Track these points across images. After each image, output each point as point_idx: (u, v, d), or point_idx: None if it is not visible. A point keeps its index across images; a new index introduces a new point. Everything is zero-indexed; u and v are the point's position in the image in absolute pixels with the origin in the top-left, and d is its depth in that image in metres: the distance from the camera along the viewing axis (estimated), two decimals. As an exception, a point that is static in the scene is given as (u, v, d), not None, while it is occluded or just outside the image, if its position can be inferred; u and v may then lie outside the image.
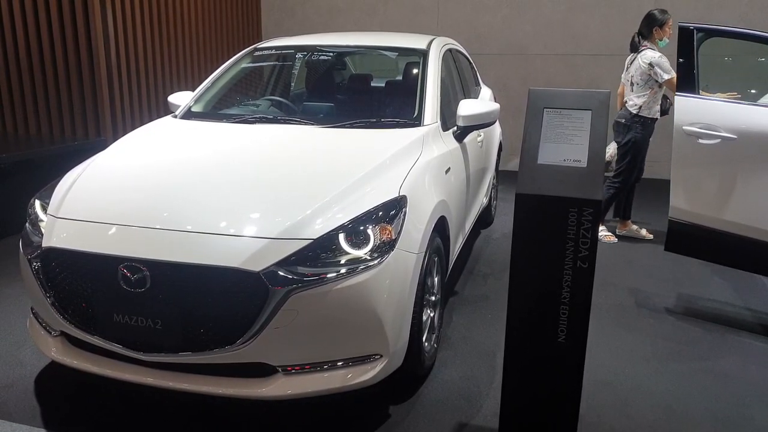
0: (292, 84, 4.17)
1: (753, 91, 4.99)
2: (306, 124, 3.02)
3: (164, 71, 6.06)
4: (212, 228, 2.15)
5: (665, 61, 4.25)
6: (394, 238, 2.22)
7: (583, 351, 2.02)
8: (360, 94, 3.74)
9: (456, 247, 3.27)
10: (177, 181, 2.46)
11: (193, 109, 3.38)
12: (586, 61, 6.97)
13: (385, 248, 2.18)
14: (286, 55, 4.05)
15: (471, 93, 4.25)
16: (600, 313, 3.38)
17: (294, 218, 2.16)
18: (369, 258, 2.14)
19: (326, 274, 2.07)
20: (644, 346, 3.02)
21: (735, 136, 3.10)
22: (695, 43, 3.26)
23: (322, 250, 2.12)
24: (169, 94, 3.80)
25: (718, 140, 3.14)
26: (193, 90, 3.62)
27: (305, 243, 2.10)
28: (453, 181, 3.03)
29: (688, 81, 3.25)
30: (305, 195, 2.29)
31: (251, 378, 2.16)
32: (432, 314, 2.68)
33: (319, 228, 2.15)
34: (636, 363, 2.84)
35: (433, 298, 2.71)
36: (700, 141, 3.18)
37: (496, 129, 4.72)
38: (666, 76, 4.21)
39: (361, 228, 2.19)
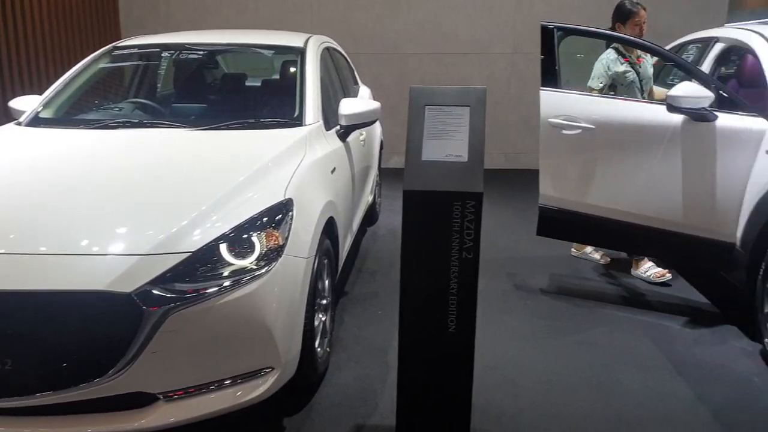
0: (159, 85, 3.92)
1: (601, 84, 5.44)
2: (177, 126, 2.85)
3: (3, 73, 5.43)
4: (72, 248, 1.95)
5: (600, 66, 3.76)
6: (281, 244, 2.14)
7: (473, 339, 2.09)
8: (235, 95, 3.59)
9: (345, 247, 3.25)
10: (26, 198, 2.20)
11: (41, 115, 3.06)
12: (457, 59, 7.24)
13: (272, 255, 2.10)
14: (150, 54, 3.80)
15: (351, 92, 4.25)
16: (483, 299, 3.49)
17: (168, 231, 2.02)
18: (255, 267, 2.05)
19: (208, 288, 1.95)
20: (524, 326, 3.19)
21: (593, 126, 3.32)
22: (555, 41, 3.44)
23: (203, 263, 1.99)
24: (9, 99, 3.40)
25: (579, 130, 3.35)
26: (40, 94, 3.27)
27: (182, 257, 1.97)
28: (339, 181, 3.00)
29: (550, 76, 3.43)
30: (180, 204, 2.15)
31: (128, 410, 1.96)
32: (324, 318, 2.64)
33: (197, 239, 2.02)
34: (518, 343, 3.00)
35: (325, 301, 2.66)
36: (564, 132, 3.37)
37: (377, 127, 4.76)
38: (589, 83, 3.79)
39: (245, 236, 2.10)
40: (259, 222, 2.14)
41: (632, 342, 3.00)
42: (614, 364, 2.80)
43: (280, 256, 2.12)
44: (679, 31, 5.02)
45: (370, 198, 4.42)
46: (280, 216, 2.20)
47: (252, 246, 2.09)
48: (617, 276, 3.90)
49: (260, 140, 2.72)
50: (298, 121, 2.91)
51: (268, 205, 2.20)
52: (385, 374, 2.68)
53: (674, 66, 4.09)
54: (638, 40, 3.53)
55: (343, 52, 4.45)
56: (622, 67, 3.68)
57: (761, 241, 2.81)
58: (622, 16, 3.76)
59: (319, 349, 2.53)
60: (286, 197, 2.26)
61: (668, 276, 3.70)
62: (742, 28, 3.67)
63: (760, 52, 3.27)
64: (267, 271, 2.06)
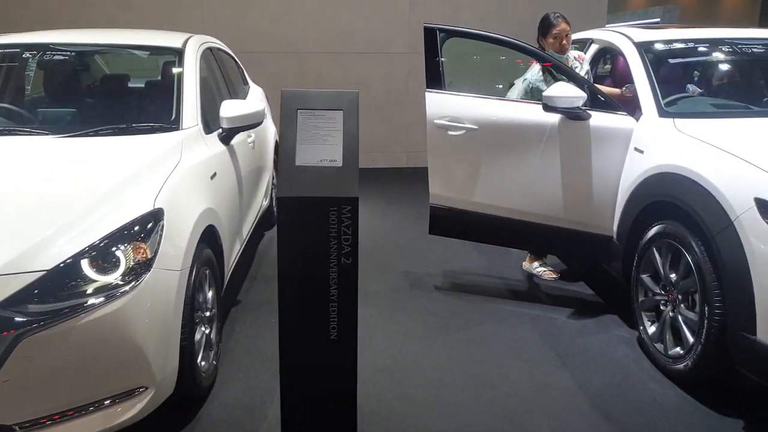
0: (28, 88, 3.61)
1: (500, 86, 5.63)
2: (39, 134, 2.63)
3: None
4: None
5: (522, 87, 3.66)
6: (150, 257, 2.02)
7: (355, 345, 2.06)
8: (108, 99, 3.36)
9: (233, 255, 3.13)
10: None
11: None
12: (355, 59, 7.23)
13: (140, 269, 1.97)
14: (13, 55, 3.48)
15: (239, 93, 4.11)
16: (378, 299, 3.52)
17: (20, 248, 1.84)
18: (121, 283, 1.92)
19: (67, 308, 1.80)
20: (417, 325, 3.21)
21: (476, 127, 3.39)
22: (439, 43, 3.46)
23: (61, 281, 1.84)
24: None
25: (463, 131, 3.40)
26: None
27: (37, 276, 1.81)
28: (222, 187, 2.88)
29: (435, 78, 3.46)
30: (36, 218, 1.98)
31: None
32: (207, 331, 2.52)
33: (54, 256, 1.86)
34: (411, 343, 3.01)
35: (208, 313, 2.54)
36: (449, 133, 3.42)
37: (270, 128, 4.64)
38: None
39: (110, 250, 1.96)
40: (125, 234, 2.00)
41: (520, 336, 3.10)
42: (502, 358, 2.87)
43: (149, 270, 1.99)
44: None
45: (266, 202, 4.31)
46: (149, 227, 2.07)
47: (117, 260, 1.95)
48: (509, 272, 4.03)
49: (132, 147, 2.55)
50: (174, 125, 2.76)
51: (136, 216, 2.06)
52: (275, 384, 2.56)
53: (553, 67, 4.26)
54: (522, 44, 3.53)
55: (230, 53, 4.30)
56: (545, 88, 3.48)
57: (634, 233, 2.98)
58: (542, 28, 3.75)
59: (203, 363, 2.42)
60: (156, 207, 2.13)
61: (556, 276, 3.84)
62: (613, 31, 3.89)
63: (627, 54, 3.47)
64: (134, 287, 1.93)
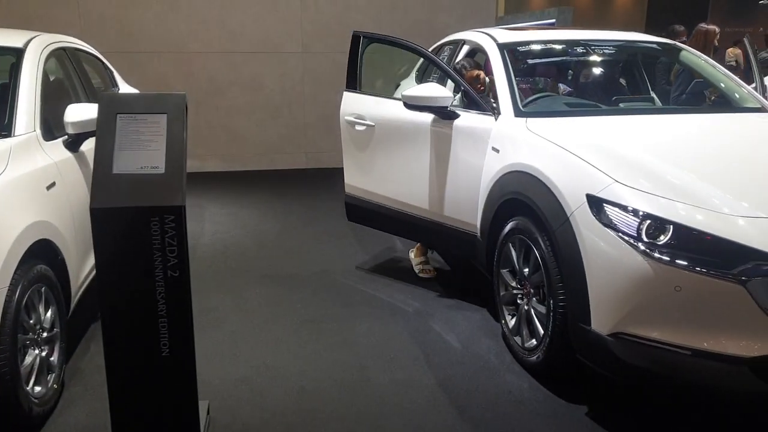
0: None
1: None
2: None
3: None
4: None
5: None
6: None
7: (191, 360, 1.97)
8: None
9: (85, 269, 2.95)
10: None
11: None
12: (246, 58, 7.07)
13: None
14: None
15: (102, 95, 3.88)
16: (251, 307, 3.44)
17: None
18: None
19: None
20: (288, 331, 3.15)
21: (374, 124, 3.71)
22: (361, 48, 3.76)
23: None
24: None
25: (365, 127, 3.76)
26: None
27: None
28: (65, 197, 2.69)
29: (353, 79, 3.85)
30: None
31: None
32: (44, 353, 2.35)
33: None
34: (278, 352, 2.95)
35: (45, 334, 2.37)
36: (357, 128, 3.79)
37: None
38: None
39: None
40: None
41: (389, 336, 3.10)
42: (368, 360, 2.86)
43: (-47, 292, 1.82)
44: (453, 31, 5.35)
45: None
46: (-47, 245, 1.89)
47: None
48: (392, 269, 4.05)
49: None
50: (5, 132, 2.56)
51: (-62, 234, 1.88)
52: (125, 404, 2.46)
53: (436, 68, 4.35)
54: (430, 54, 3.62)
55: (95, 53, 4.05)
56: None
57: (493, 230, 3.06)
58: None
59: (37, 389, 2.25)
60: (-37, 223, 1.96)
61: (431, 276, 3.89)
62: (481, 32, 3.97)
63: (490, 54, 3.56)
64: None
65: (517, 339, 2.84)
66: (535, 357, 2.66)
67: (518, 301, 2.86)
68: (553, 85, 4.08)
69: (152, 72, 6.63)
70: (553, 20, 15.34)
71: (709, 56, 4.83)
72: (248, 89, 7.13)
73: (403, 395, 2.58)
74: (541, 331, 2.62)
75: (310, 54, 7.26)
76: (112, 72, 4.29)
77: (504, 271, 2.97)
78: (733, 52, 10.02)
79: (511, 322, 2.92)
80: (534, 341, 2.70)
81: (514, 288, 2.89)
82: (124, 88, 4.45)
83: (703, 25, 5.59)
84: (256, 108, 7.21)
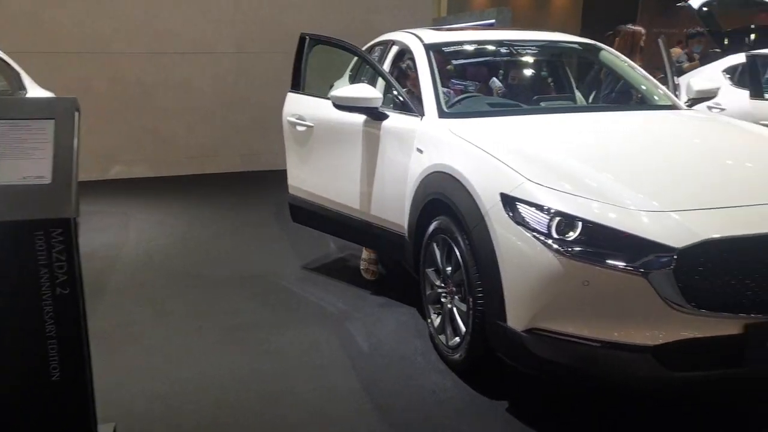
0: None
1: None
2: None
3: None
4: None
5: None
6: None
7: (85, 383, 1.86)
8: None
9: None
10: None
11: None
12: (177, 59, 6.86)
13: None
14: None
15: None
16: (173, 320, 3.32)
17: None
18: None
19: None
20: (211, 343, 3.04)
21: (312, 125, 3.76)
22: (306, 49, 3.82)
23: None
24: None
25: (305, 128, 3.80)
26: None
27: None
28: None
29: (297, 80, 3.90)
30: None
31: None
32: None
33: None
34: (196, 364, 2.84)
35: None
36: (298, 129, 3.85)
37: None
38: None
39: None
40: None
41: (318, 342, 3.04)
42: (293, 369, 2.80)
43: None
44: (390, 31, 5.32)
45: None
46: None
47: None
48: (321, 275, 3.99)
49: None
50: None
51: None
52: None
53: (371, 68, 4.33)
54: (358, 51, 3.61)
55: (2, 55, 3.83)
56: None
57: (419, 230, 3.04)
58: None
59: None
60: None
61: (372, 278, 3.85)
62: (408, 32, 3.96)
63: (416, 55, 3.55)
64: None
65: (442, 338, 2.83)
66: (458, 355, 2.66)
67: (442, 300, 2.86)
68: (483, 86, 4.11)
69: (73, 74, 6.35)
70: (493, 20, 15.61)
71: (635, 57, 5.01)
72: (179, 91, 6.92)
73: (326, 403, 2.53)
74: (464, 329, 2.62)
75: (245, 54, 7.11)
76: (18, 73, 4.07)
77: (429, 271, 2.96)
78: (676, 52, 10.39)
79: (437, 321, 2.91)
80: (457, 339, 2.70)
81: (438, 287, 2.89)
82: (35, 91, 4.23)
83: (630, 26, 5.77)
84: (187, 110, 7.01)
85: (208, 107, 7.09)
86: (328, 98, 3.50)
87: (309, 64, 3.99)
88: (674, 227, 2.06)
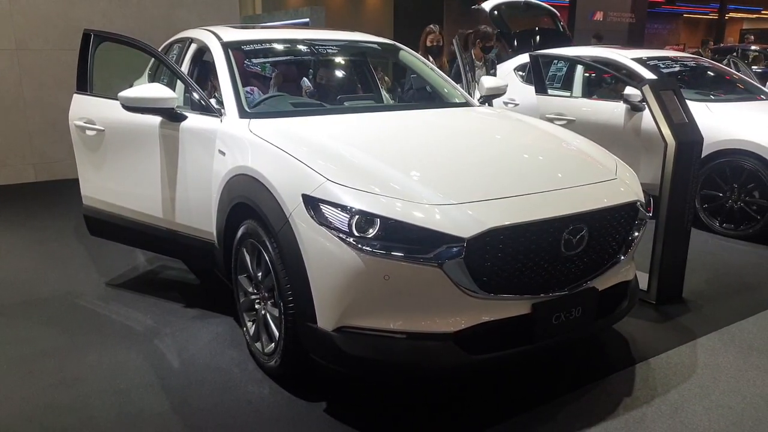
0: None
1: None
2: None
3: None
4: None
5: None
6: None
7: None
8: None
9: None
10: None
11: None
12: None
13: None
14: None
15: None
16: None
17: None
18: None
19: None
20: (-4, 382, 2.67)
21: (104, 128, 3.50)
22: (91, 47, 3.53)
23: None
24: None
25: (96, 132, 3.52)
26: None
27: None
28: None
29: (83, 80, 3.59)
30: None
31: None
32: None
33: None
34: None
35: None
36: (88, 133, 3.54)
37: None
38: None
39: None
40: None
41: (121, 364, 2.80)
42: (94, 398, 2.54)
43: None
44: (193, 27, 5.06)
45: None
46: None
47: None
48: (126, 290, 3.69)
49: None
50: None
51: None
52: None
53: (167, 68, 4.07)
54: (150, 49, 3.32)
55: None
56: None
57: (228, 236, 2.93)
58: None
59: None
60: None
61: None
62: (206, 30, 3.79)
63: (214, 53, 3.41)
64: None
65: (258, 345, 2.76)
66: (274, 361, 2.61)
67: (256, 307, 2.78)
68: (293, 85, 4.08)
69: None
70: (307, 19, 15.71)
71: (442, 56, 5.38)
72: None
73: (132, 428, 2.33)
74: (277, 335, 2.58)
75: (28, 51, 6.33)
76: None
77: (241, 277, 2.87)
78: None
79: (252, 329, 2.83)
80: (272, 345, 2.64)
81: (251, 294, 2.81)
82: None
83: (432, 27, 6.13)
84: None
85: (-15, 111, 6.21)
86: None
87: (110, 62, 3.74)
88: (462, 218, 2.20)
